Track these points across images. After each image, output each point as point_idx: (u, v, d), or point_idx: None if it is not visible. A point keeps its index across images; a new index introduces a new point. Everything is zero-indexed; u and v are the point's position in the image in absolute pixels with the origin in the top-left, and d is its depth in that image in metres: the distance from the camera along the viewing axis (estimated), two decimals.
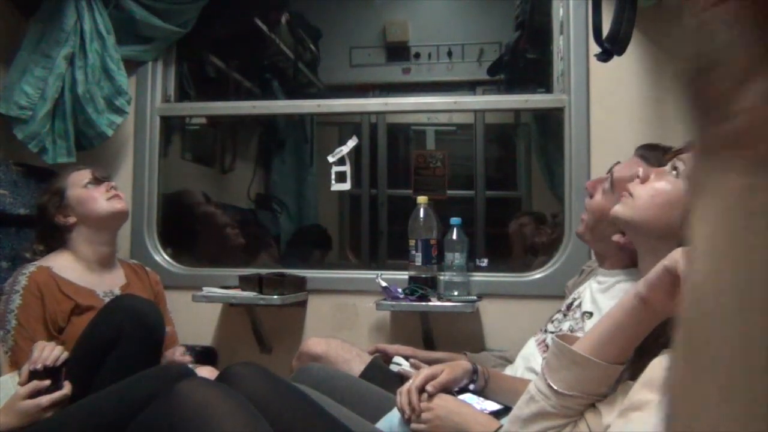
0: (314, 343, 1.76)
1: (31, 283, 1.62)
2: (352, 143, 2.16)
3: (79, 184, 1.79)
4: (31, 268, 1.66)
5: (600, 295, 1.37)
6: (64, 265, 1.72)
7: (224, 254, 2.72)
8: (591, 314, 1.35)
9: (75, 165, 1.93)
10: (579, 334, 1.30)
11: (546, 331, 1.47)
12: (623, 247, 1.33)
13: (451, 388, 1.32)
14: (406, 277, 2.00)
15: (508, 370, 1.57)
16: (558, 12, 2.11)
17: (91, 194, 1.78)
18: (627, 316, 0.80)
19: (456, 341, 1.94)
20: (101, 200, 1.77)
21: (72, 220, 1.76)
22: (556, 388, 0.83)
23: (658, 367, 0.72)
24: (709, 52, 0.28)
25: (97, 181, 1.80)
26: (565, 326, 1.39)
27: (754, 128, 0.26)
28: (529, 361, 1.48)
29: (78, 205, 1.76)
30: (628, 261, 1.36)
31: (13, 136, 2.05)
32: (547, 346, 1.48)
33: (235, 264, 2.52)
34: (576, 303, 1.43)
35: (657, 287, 0.75)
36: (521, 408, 0.88)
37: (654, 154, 1.38)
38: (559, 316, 1.48)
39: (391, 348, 1.79)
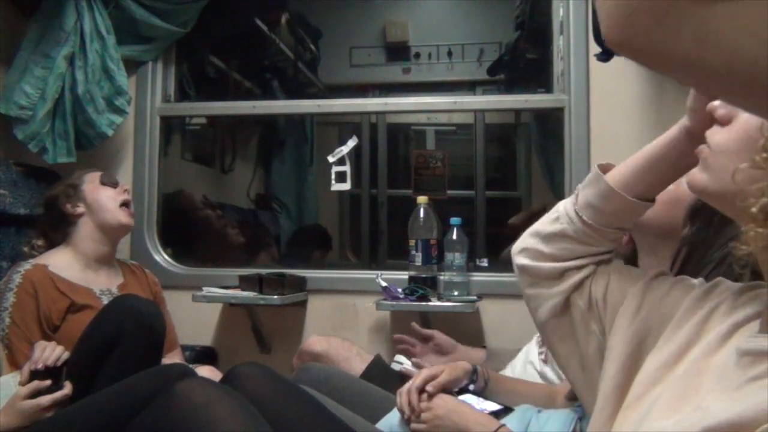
0: (315, 341, 1.77)
1: (25, 281, 1.62)
2: (352, 143, 2.17)
3: (95, 181, 1.83)
4: (27, 266, 1.66)
5: None
6: (61, 263, 1.72)
7: (224, 254, 2.73)
8: None
9: (88, 168, 1.93)
10: None
11: None
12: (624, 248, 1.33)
13: (451, 389, 1.32)
14: (406, 277, 2.00)
15: (508, 368, 1.58)
16: (558, 12, 2.11)
17: (106, 192, 1.81)
18: (667, 148, 0.77)
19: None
20: (113, 203, 1.80)
21: (80, 210, 1.78)
22: (580, 214, 0.82)
23: (650, 367, 0.71)
24: None
25: (112, 184, 1.84)
26: None
27: None
28: (528, 355, 1.52)
29: (90, 197, 1.79)
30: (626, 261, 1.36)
31: (13, 136, 2.05)
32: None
33: (235, 264, 2.52)
34: None
35: (701, 115, 0.71)
36: (544, 224, 0.87)
37: None
38: None
39: (415, 331, 1.80)
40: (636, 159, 0.80)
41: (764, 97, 0.33)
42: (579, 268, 0.84)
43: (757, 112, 0.39)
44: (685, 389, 0.61)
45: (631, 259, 1.31)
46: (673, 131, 0.77)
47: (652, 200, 0.82)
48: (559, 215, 0.85)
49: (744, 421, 0.48)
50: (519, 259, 0.89)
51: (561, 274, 0.84)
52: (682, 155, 0.75)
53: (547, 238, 0.85)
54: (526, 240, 0.89)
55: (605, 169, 0.83)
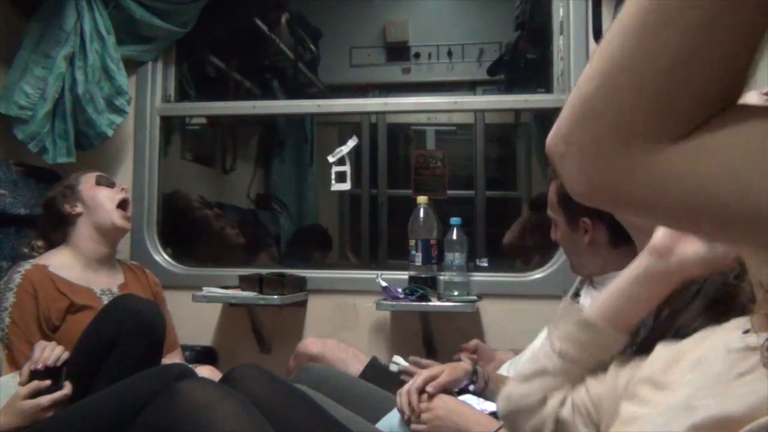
0: (311, 342, 1.77)
1: (25, 281, 1.62)
2: (352, 143, 2.17)
3: (91, 181, 1.83)
4: (27, 266, 1.67)
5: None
6: (61, 263, 1.72)
7: (224, 254, 2.72)
8: None
9: (84, 169, 1.94)
10: None
11: None
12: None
13: (451, 389, 1.32)
14: (406, 277, 2.00)
15: (508, 367, 1.58)
16: (558, 12, 2.12)
17: (103, 191, 1.81)
18: (640, 275, 0.78)
19: (456, 341, 1.94)
20: (110, 203, 1.80)
21: (78, 209, 1.78)
22: (559, 349, 0.83)
23: (659, 358, 0.71)
24: None
25: (109, 184, 1.84)
26: None
27: None
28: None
29: (88, 196, 1.79)
30: (615, 264, 1.35)
31: (13, 136, 2.05)
32: None
33: (235, 264, 2.52)
34: None
35: (668, 235, 0.73)
36: (524, 365, 0.88)
37: None
38: None
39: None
40: (607, 296, 0.81)
41: (727, 230, 0.35)
42: (559, 387, 0.84)
43: (719, 241, 0.41)
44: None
45: (619, 264, 1.30)
46: (640, 261, 0.78)
47: (628, 331, 0.82)
48: (536, 354, 0.87)
49: (732, 416, 0.48)
50: (503, 406, 0.89)
51: (544, 398, 0.84)
52: (657, 278, 0.76)
53: (528, 377, 0.86)
54: (507, 389, 0.90)
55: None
